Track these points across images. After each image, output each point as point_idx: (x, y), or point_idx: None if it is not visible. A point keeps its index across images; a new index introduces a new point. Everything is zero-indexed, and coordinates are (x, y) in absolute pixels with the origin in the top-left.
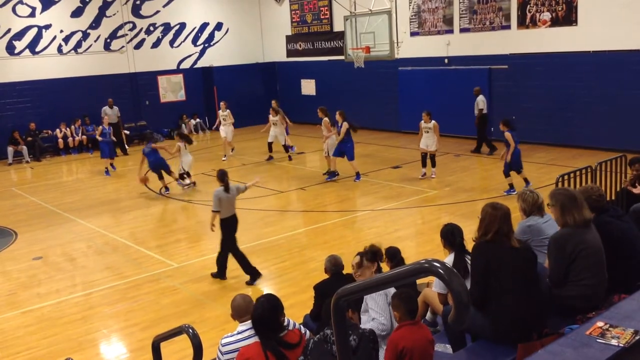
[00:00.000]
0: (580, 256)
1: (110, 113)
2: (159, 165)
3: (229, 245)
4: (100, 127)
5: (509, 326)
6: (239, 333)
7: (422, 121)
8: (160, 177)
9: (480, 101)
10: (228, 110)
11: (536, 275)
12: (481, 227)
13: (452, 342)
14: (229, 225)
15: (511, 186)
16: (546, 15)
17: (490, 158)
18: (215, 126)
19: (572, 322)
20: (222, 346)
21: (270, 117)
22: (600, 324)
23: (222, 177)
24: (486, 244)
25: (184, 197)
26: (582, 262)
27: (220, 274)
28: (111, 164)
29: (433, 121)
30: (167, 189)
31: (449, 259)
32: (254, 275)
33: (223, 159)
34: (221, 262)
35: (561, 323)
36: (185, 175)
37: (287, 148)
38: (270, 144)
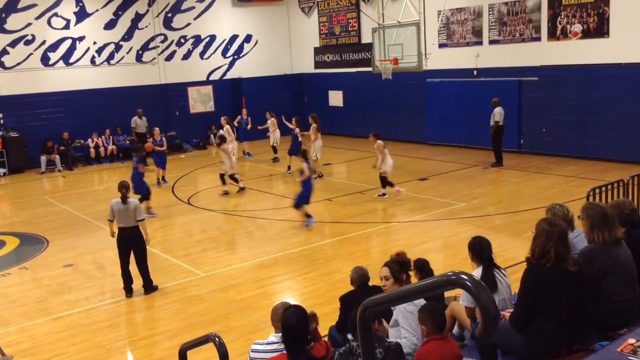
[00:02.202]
0: (611, 272)
1: (139, 123)
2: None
3: (120, 256)
4: (239, 116)
5: (545, 345)
6: (268, 344)
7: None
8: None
9: (497, 113)
10: (227, 126)
11: (585, 300)
12: (536, 245)
13: (482, 356)
14: (120, 236)
15: (308, 216)
16: (577, 27)
17: (542, 173)
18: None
19: (603, 338)
20: (252, 352)
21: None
22: (632, 340)
23: (120, 188)
24: (541, 267)
25: (212, 206)
26: (613, 278)
27: (128, 289)
28: (163, 177)
29: (378, 141)
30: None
31: (477, 272)
32: (128, 289)
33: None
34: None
35: (592, 339)
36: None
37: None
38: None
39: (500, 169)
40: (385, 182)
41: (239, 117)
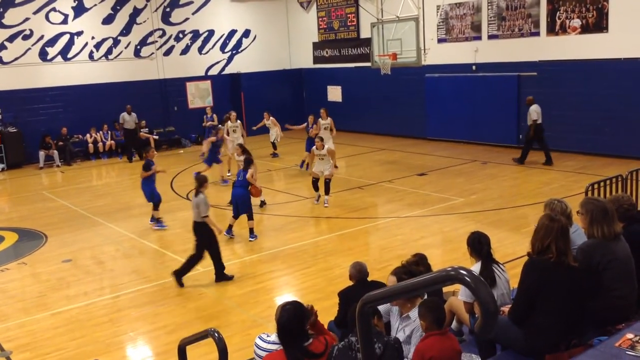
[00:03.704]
0: (610, 267)
1: (127, 119)
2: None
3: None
4: (205, 116)
5: (544, 340)
6: (271, 342)
7: (315, 147)
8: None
9: (534, 111)
10: (239, 121)
11: (585, 298)
12: (536, 239)
13: (481, 351)
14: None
15: (158, 220)
16: (576, 22)
17: (543, 168)
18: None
19: (601, 333)
20: (256, 346)
21: (265, 120)
22: (630, 335)
23: (194, 180)
24: (543, 262)
25: (210, 202)
26: (612, 273)
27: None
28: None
29: (326, 146)
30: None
31: (475, 268)
32: (179, 277)
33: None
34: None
35: (590, 334)
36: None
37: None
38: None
39: (499, 164)
40: (328, 186)
41: (205, 117)
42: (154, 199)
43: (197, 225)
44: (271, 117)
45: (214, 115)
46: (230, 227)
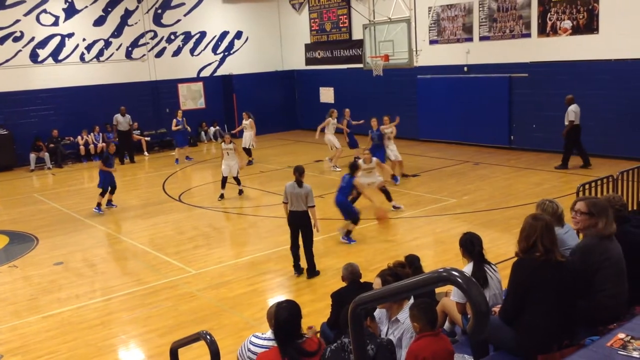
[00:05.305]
0: (603, 267)
1: (121, 120)
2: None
3: (291, 236)
4: (175, 119)
5: (536, 341)
6: (268, 339)
7: (362, 160)
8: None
9: (571, 111)
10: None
11: (575, 293)
12: (521, 238)
13: (474, 351)
14: (290, 218)
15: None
16: (567, 24)
17: (537, 169)
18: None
19: (593, 333)
20: (250, 343)
21: (243, 121)
22: (621, 335)
23: (294, 171)
24: (529, 261)
25: (203, 203)
26: (605, 273)
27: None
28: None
29: (375, 159)
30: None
31: (467, 268)
32: (298, 269)
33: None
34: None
35: (582, 334)
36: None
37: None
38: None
39: (490, 165)
40: (387, 193)
41: (174, 120)
42: (105, 185)
43: (302, 214)
44: (250, 119)
45: (184, 119)
46: (349, 232)
